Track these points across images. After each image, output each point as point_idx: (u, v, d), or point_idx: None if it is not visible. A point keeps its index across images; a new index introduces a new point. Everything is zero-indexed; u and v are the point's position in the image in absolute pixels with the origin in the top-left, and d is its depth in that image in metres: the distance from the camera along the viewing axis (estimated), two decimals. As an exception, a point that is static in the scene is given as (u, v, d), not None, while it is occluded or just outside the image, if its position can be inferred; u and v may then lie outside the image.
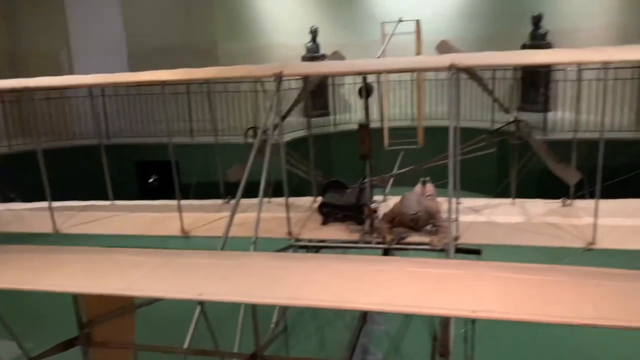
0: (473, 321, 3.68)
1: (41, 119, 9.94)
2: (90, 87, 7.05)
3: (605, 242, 5.20)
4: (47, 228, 6.53)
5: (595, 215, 5.24)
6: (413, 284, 2.26)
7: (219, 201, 7.35)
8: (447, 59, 5.12)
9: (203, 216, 6.75)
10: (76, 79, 6.74)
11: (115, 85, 10.26)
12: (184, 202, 6.43)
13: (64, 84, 6.67)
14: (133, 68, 11.49)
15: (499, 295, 2.07)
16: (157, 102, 10.85)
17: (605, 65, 5.01)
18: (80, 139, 10.91)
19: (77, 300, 2.91)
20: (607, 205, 5.98)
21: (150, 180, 10.06)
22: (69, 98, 10.70)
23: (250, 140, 6.85)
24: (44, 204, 7.04)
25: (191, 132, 10.35)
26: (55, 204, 6.61)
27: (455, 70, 4.86)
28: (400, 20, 7.52)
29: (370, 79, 6.32)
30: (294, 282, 2.24)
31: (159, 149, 10.57)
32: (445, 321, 2.75)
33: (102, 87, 7.24)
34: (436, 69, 6.12)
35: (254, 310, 3.30)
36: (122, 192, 7.64)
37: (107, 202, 7.55)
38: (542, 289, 2.03)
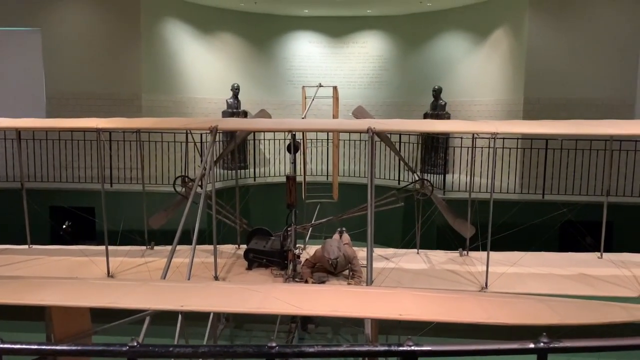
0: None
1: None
2: (19, 131, 7.08)
3: (495, 286, 6.06)
4: (-39, 270, 6.37)
5: (487, 264, 6.10)
6: (351, 299, 2.77)
7: (142, 247, 7.53)
8: (365, 123, 5.87)
9: (127, 261, 6.90)
10: (5, 121, 6.79)
11: (50, 130, 10.16)
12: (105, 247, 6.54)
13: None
14: (51, 114, 11.43)
15: (417, 305, 2.63)
16: (75, 147, 10.82)
17: (494, 135, 5.96)
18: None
19: (50, 320, 3.09)
20: (497, 256, 6.95)
21: (64, 226, 9.90)
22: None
23: (178, 188, 7.19)
24: None
25: (111, 179, 10.39)
26: None
27: (372, 132, 5.60)
28: (320, 85, 8.28)
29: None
30: (257, 298, 2.67)
31: (74, 194, 10.48)
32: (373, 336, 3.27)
33: (19, 131, 7.24)
34: (356, 131, 6.87)
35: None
36: (35, 237, 7.58)
37: (24, 246, 7.45)
38: (449, 302, 2.62)
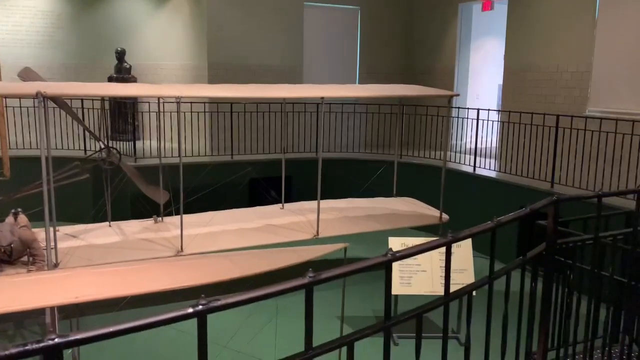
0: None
1: None
2: None
3: (190, 248, 6.15)
4: None
5: (182, 227, 6.15)
6: (29, 288, 2.40)
7: None
8: (33, 87, 5.17)
9: None
10: None
11: None
12: None
13: None
14: None
15: (97, 284, 2.45)
16: None
17: (178, 99, 5.93)
18: None
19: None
20: (191, 218, 7.10)
21: None
22: None
23: None
24: None
25: None
26: None
27: (43, 98, 4.96)
28: None
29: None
30: None
31: None
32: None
33: None
34: (23, 96, 6.01)
35: None
36: None
37: None
38: (133, 274, 2.52)
